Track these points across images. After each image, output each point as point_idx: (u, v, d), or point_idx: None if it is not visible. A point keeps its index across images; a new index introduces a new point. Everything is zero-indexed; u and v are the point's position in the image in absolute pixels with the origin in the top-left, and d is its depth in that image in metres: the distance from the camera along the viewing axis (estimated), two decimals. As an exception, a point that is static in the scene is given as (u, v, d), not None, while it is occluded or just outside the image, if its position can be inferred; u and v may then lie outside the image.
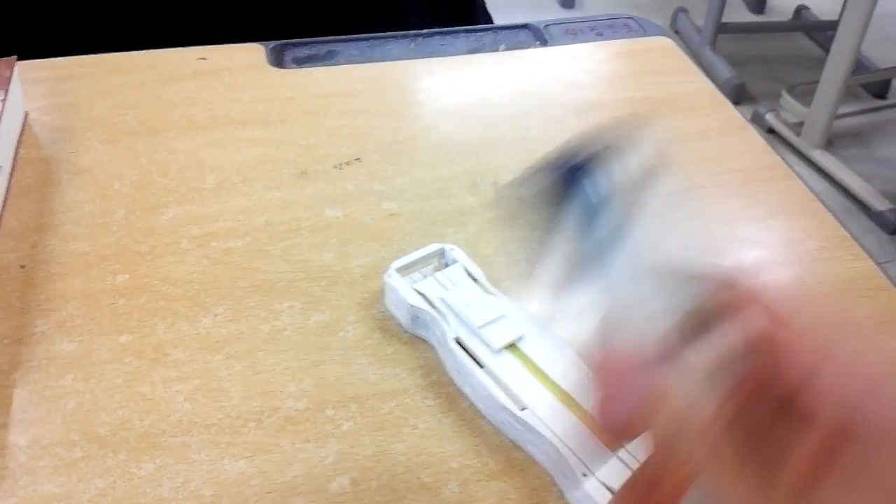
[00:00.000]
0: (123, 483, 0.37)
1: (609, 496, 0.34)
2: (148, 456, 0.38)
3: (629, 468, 0.35)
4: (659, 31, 0.73)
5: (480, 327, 0.41)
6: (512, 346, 0.41)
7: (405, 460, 0.38)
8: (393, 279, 0.44)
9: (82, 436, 0.39)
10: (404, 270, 0.45)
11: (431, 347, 0.44)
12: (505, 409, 0.38)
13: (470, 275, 0.45)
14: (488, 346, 0.40)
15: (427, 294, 0.43)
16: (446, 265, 0.46)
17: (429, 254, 0.46)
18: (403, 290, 0.43)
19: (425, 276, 0.45)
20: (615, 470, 0.35)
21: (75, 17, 0.76)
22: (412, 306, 0.43)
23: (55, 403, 0.40)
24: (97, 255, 0.48)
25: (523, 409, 0.38)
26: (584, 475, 0.35)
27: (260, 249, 0.49)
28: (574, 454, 0.36)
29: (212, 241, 0.50)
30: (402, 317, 0.44)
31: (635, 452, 0.36)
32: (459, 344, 0.41)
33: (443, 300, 0.43)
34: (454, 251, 0.46)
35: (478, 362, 0.40)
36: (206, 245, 0.49)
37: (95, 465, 0.37)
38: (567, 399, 0.38)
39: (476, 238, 0.51)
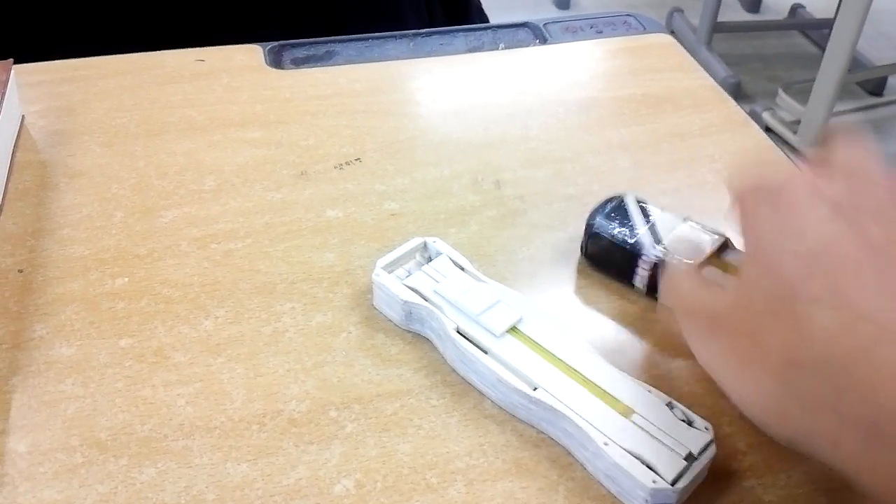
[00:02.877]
0: (125, 488, 0.36)
1: (633, 461, 0.34)
2: (150, 460, 0.37)
3: (646, 433, 0.36)
4: (659, 28, 0.73)
5: (479, 314, 0.41)
6: (513, 329, 0.41)
7: (410, 461, 0.38)
8: (381, 277, 0.44)
9: (83, 441, 0.38)
10: (390, 268, 0.45)
11: (430, 343, 0.43)
12: (517, 390, 0.38)
13: (457, 265, 0.45)
14: (490, 331, 0.40)
15: (419, 288, 0.43)
16: (430, 259, 0.46)
17: (412, 248, 0.46)
18: (395, 287, 0.43)
19: (410, 273, 0.45)
20: (634, 435, 0.36)
21: (72, 20, 0.76)
22: (406, 302, 0.42)
23: (55, 408, 0.40)
24: (96, 259, 0.48)
25: (535, 389, 0.38)
26: (606, 444, 0.35)
27: (261, 251, 0.49)
28: (592, 425, 0.36)
29: (212, 243, 0.49)
30: (395, 314, 0.44)
31: (650, 418, 0.36)
32: (461, 333, 0.41)
33: (436, 292, 0.43)
34: (436, 243, 0.46)
35: (482, 349, 0.40)
36: (205, 247, 0.49)
37: (96, 471, 0.37)
38: (576, 374, 0.38)
39: (478, 237, 0.50)
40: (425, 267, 0.45)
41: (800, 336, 0.29)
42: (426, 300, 0.42)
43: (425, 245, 0.46)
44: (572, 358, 0.39)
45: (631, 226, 0.46)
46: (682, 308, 0.36)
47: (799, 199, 0.32)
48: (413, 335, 0.44)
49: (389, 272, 0.44)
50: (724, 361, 0.33)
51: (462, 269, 0.44)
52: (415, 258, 0.46)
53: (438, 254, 0.46)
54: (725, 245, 0.45)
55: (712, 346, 0.34)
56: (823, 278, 0.29)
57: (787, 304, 0.30)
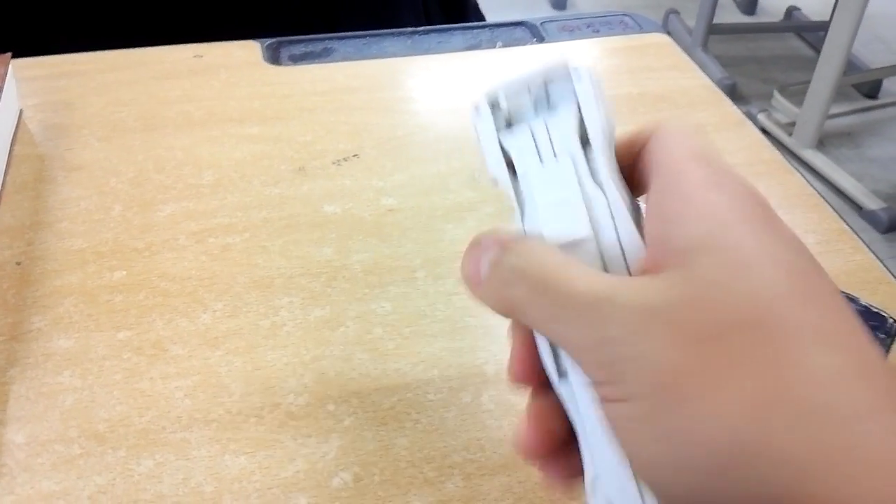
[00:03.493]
0: (123, 480, 0.36)
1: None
2: (147, 452, 0.38)
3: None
4: (655, 28, 0.73)
5: (561, 246, 0.26)
6: None
7: (408, 455, 0.38)
8: (482, 116, 0.29)
9: (81, 433, 0.38)
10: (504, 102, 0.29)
11: (427, 338, 0.43)
12: (545, 364, 0.27)
13: (585, 135, 0.27)
14: None
15: (514, 157, 0.28)
16: (550, 105, 0.29)
17: (546, 70, 0.28)
18: (489, 142, 0.29)
19: (525, 109, 0.29)
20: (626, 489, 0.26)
21: (70, 14, 0.76)
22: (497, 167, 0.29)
23: (53, 400, 0.40)
24: (94, 252, 0.48)
25: (561, 376, 0.26)
26: (595, 480, 0.26)
27: (258, 245, 0.49)
28: (592, 455, 0.26)
29: (210, 237, 0.49)
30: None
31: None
32: None
33: (525, 177, 0.28)
34: (581, 81, 0.28)
35: None
36: (204, 241, 0.49)
37: (94, 462, 0.37)
38: None
39: (476, 233, 0.50)
40: (542, 118, 0.28)
41: None
42: (514, 178, 0.28)
43: (567, 73, 0.28)
44: None
45: None
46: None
47: None
48: (411, 330, 0.44)
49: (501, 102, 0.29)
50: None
51: (586, 144, 0.27)
52: (544, 86, 0.29)
53: (570, 101, 0.28)
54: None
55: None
56: None
57: None
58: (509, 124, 0.29)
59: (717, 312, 0.20)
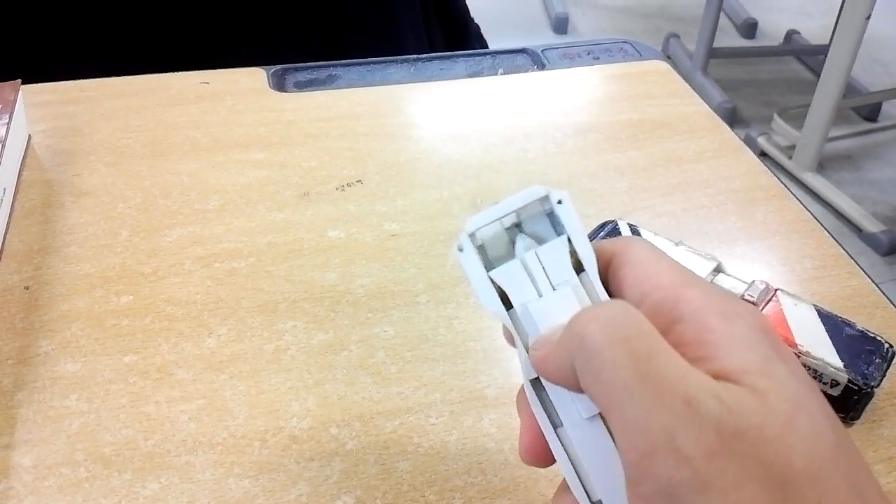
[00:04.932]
0: (128, 503, 0.37)
1: None
2: (153, 476, 0.38)
3: None
4: (655, 55, 0.74)
5: None
6: None
7: (409, 479, 0.38)
8: (466, 256, 0.28)
9: (87, 456, 0.39)
10: (487, 229, 0.29)
11: (429, 363, 0.44)
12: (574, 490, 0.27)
13: (575, 259, 0.28)
14: (577, 407, 0.26)
15: (509, 291, 0.28)
16: (526, 232, 0.29)
17: (525, 205, 0.28)
18: (477, 278, 0.29)
19: (513, 241, 0.29)
20: None
21: (79, 42, 0.77)
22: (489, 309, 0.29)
23: (59, 424, 0.40)
24: (101, 277, 0.49)
25: None
26: None
27: (263, 270, 0.49)
28: None
29: (215, 261, 0.50)
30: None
31: None
32: (539, 387, 0.28)
33: (527, 310, 0.27)
34: (562, 206, 0.28)
35: (554, 421, 0.27)
36: (209, 266, 0.50)
37: (100, 485, 0.37)
38: None
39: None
40: (533, 251, 0.28)
41: None
42: (510, 310, 0.28)
43: (547, 199, 0.28)
44: None
45: None
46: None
47: None
48: (413, 355, 0.44)
49: (483, 238, 0.29)
50: None
51: (580, 270, 0.28)
52: (528, 216, 0.29)
53: (558, 232, 0.29)
54: (718, 269, 0.46)
55: None
56: None
57: None
58: (489, 258, 0.29)
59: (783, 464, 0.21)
